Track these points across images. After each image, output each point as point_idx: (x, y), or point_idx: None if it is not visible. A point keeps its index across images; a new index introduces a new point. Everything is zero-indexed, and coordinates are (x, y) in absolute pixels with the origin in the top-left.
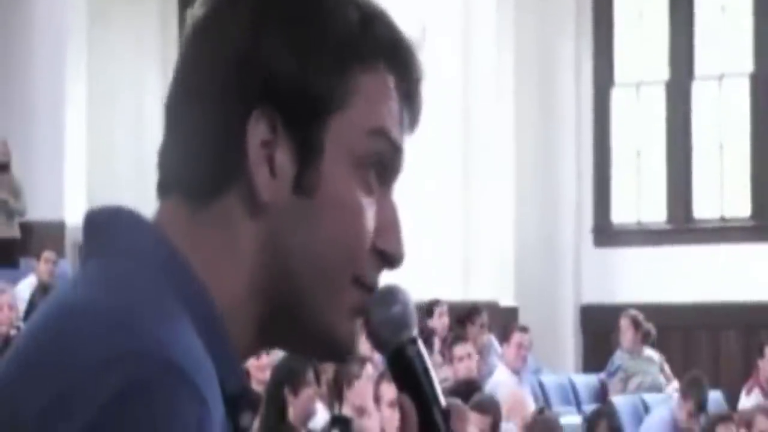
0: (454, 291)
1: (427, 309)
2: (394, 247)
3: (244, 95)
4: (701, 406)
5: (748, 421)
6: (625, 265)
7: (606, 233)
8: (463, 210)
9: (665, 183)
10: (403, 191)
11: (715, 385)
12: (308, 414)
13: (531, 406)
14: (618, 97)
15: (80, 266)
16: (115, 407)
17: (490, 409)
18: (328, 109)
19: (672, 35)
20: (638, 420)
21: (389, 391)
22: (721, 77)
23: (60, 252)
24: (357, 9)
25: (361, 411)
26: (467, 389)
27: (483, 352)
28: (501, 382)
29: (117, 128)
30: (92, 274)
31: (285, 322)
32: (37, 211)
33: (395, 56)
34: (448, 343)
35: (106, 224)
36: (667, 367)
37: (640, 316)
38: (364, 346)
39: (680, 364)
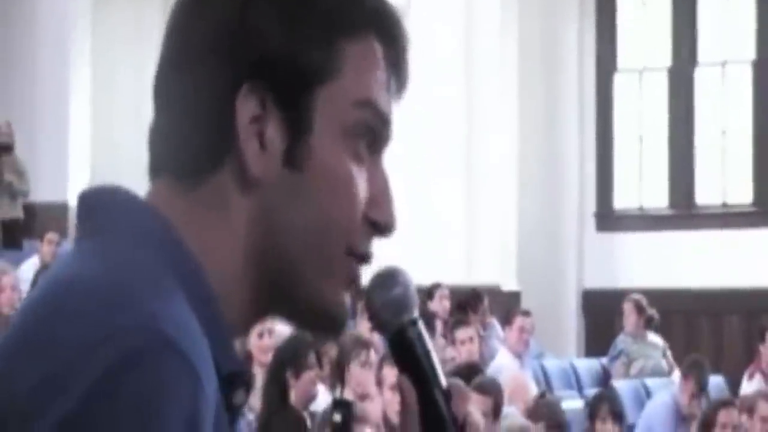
0: (456, 275)
1: (428, 292)
2: (386, 216)
3: (233, 70)
4: (702, 386)
5: (749, 407)
6: (627, 251)
7: (608, 218)
8: (466, 194)
9: (667, 168)
10: (406, 175)
11: (717, 371)
12: (310, 397)
13: (533, 390)
14: (621, 82)
15: (75, 244)
16: (109, 381)
17: (492, 391)
18: (317, 80)
19: (675, 21)
20: (640, 404)
21: (391, 374)
22: (723, 64)
23: (63, 233)
24: None
25: (362, 396)
26: (469, 372)
27: (484, 335)
28: (503, 366)
29: (120, 110)
30: (88, 252)
31: (279, 294)
32: (41, 192)
33: (382, 25)
34: (450, 326)
35: (102, 203)
36: (669, 354)
37: (644, 301)
38: (364, 328)
39: (682, 350)
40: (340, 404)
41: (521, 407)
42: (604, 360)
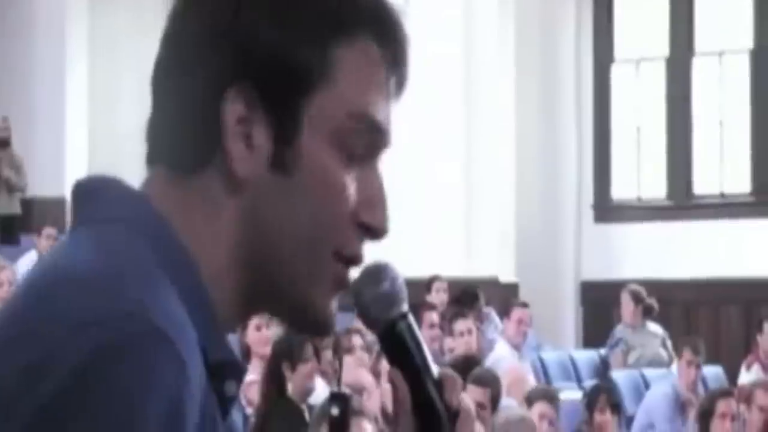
0: (455, 267)
1: (426, 285)
2: (378, 219)
3: (223, 70)
4: (699, 358)
5: (747, 396)
6: (625, 241)
7: (606, 209)
8: (464, 186)
9: (665, 159)
10: (405, 168)
11: (716, 361)
12: (307, 390)
13: (531, 382)
14: (618, 73)
15: (69, 232)
16: (93, 365)
17: (490, 383)
18: (309, 84)
19: (672, 11)
20: (638, 395)
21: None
22: (721, 53)
23: (61, 228)
24: None
25: (358, 388)
26: (467, 364)
27: (482, 328)
28: (501, 358)
29: (119, 104)
30: (80, 241)
31: (267, 293)
32: (38, 187)
33: (378, 24)
34: (448, 318)
35: (96, 192)
36: (669, 343)
37: (642, 291)
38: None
39: (680, 342)
40: (337, 397)
41: (519, 399)
42: (603, 351)
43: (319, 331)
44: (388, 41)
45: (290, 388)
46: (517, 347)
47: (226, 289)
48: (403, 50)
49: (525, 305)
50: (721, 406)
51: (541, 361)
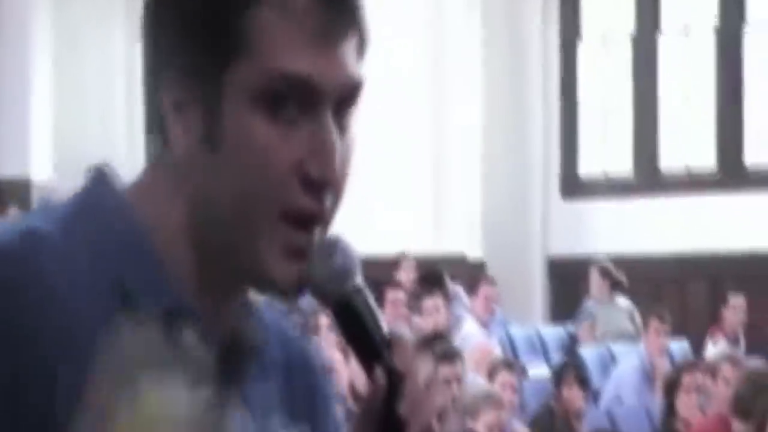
0: (423, 243)
1: (393, 262)
2: (320, 169)
3: (159, 59)
4: (666, 329)
5: (713, 370)
6: (592, 217)
7: (573, 185)
8: (431, 163)
9: (632, 135)
10: (373, 145)
11: (682, 335)
12: None
13: (498, 358)
14: (584, 50)
15: None
16: None
17: (455, 358)
18: (225, 55)
19: None
20: (605, 370)
21: None
22: (687, 31)
23: (26, 210)
24: None
25: (326, 367)
26: (434, 341)
27: (449, 305)
28: (470, 335)
29: (84, 84)
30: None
31: (219, 253)
32: (2, 167)
33: None
34: (416, 296)
35: (86, 183)
36: (638, 317)
37: (610, 266)
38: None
39: (647, 314)
40: None
41: (486, 375)
42: (571, 327)
43: (279, 290)
44: None
45: None
46: (485, 324)
47: (182, 251)
48: None
49: (492, 282)
50: (687, 378)
51: (509, 337)
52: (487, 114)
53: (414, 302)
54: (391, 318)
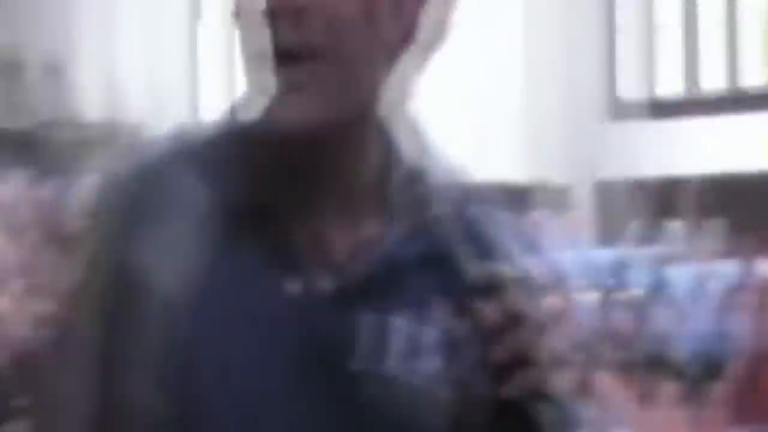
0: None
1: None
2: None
3: None
4: None
5: None
6: (638, 139)
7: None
8: (474, 95)
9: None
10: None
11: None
12: None
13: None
14: None
15: None
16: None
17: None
18: None
19: None
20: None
21: None
22: None
23: None
24: None
25: None
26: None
27: None
28: None
29: None
30: None
31: None
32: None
33: None
34: None
35: None
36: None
37: (654, 188)
38: None
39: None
40: None
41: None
42: (618, 250)
43: (283, 128)
44: None
45: None
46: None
47: None
48: None
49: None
50: None
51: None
52: (531, 34)
53: None
54: None
